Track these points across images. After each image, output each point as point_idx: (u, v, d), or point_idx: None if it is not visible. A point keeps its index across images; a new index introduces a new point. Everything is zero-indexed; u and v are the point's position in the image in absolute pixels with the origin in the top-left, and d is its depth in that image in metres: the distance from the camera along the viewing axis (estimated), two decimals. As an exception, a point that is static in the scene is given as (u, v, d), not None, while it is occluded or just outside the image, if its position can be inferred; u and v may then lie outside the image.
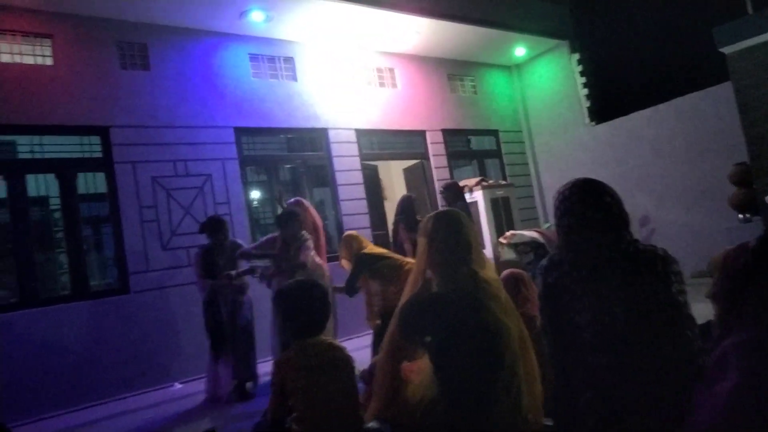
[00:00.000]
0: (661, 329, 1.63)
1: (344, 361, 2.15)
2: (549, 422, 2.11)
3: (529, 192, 10.54)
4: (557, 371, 1.87)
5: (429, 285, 2.13)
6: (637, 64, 9.19)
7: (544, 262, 1.89)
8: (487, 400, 1.97)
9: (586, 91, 9.75)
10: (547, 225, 9.51)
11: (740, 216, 6.85)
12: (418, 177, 9.50)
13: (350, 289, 4.37)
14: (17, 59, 5.91)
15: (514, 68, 10.70)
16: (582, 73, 9.76)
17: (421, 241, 2.18)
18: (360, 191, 8.34)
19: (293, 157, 8.00)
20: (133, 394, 5.82)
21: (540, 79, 10.43)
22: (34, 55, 6.02)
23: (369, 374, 2.44)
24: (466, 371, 1.99)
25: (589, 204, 1.79)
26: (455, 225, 2.14)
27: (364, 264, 4.24)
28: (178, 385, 6.00)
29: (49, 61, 6.07)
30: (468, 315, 2.01)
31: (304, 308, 2.17)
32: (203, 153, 6.90)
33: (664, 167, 8.52)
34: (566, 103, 10.03)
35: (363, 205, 8.31)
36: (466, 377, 1.99)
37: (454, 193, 6.26)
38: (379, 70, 8.87)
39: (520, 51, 9.98)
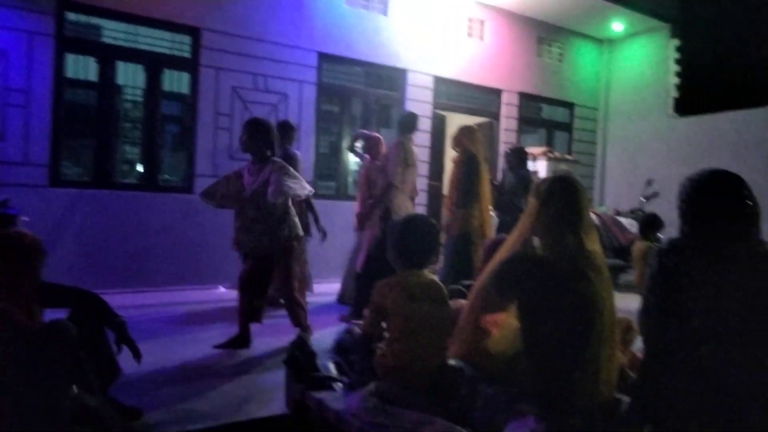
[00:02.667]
0: (777, 333, 1.64)
1: (443, 298, 2.23)
2: (619, 396, 2.17)
3: (592, 172, 10.32)
4: (650, 352, 1.90)
5: (532, 246, 2.16)
6: (739, 61, 8.68)
7: (663, 244, 1.89)
8: (571, 368, 2.01)
9: (676, 80, 9.30)
10: (603, 208, 9.34)
11: (813, 239, 6.60)
12: (484, 136, 9.35)
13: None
14: (126, -56, 5.96)
15: (606, 42, 10.25)
16: (677, 61, 9.29)
17: (532, 202, 2.19)
18: (426, 139, 8.30)
19: (368, 92, 7.96)
20: (182, 288, 6.13)
21: (631, 59, 10.00)
22: (141, -58, 6.05)
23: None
24: (555, 337, 2.03)
25: (725, 194, 1.77)
26: (570, 190, 2.13)
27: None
28: (222, 289, 6.27)
29: (154, -48, 6.10)
30: (569, 283, 2.04)
31: (415, 241, 2.24)
32: (284, 72, 6.94)
33: (741, 175, 8.18)
34: (652, 89, 9.63)
35: (426, 154, 8.28)
36: (555, 343, 2.03)
37: (520, 158, 6.17)
38: (470, 20, 8.62)
39: (617, 26, 9.53)
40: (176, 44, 6.35)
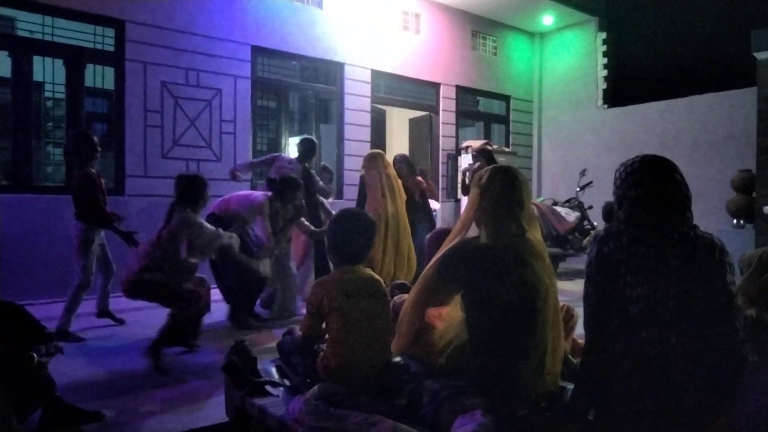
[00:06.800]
0: (711, 315, 1.67)
1: (382, 292, 2.18)
2: (564, 384, 2.19)
3: (529, 163, 10.57)
4: (591, 338, 1.91)
5: (476, 235, 2.13)
6: (661, 54, 9.11)
7: (600, 231, 1.90)
8: (516, 356, 2.01)
9: (605, 72, 9.67)
10: (541, 199, 9.59)
11: (734, 221, 7.00)
12: (423, 129, 9.42)
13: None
14: (39, -69, 5.56)
15: (537, 36, 10.51)
16: (605, 54, 9.65)
17: (474, 192, 2.17)
18: (366, 133, 8.25)
19: (305, 86, 7.82)
20: (118, 295, 5.80)
21: (561, 52, 10.30)
22: (57, -71, 5.67)
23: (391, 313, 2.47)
24: (500, 325, 2.02)
25: (658, 179, 1.79)
26: (510, 181, 2.12)
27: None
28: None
29: (71, -60, 5.74)
30: (512, 270, 2.03)
31: (348, 235, 2.17)
32: (217, 66, 6.71)
33: (667, 162, 8.60)
34: (582, 82, 9.95)
35: (366, 148, 8.21)
36: (500, 331, 2.02)
37: (487, 157, 6.36)
38: (405, 13, 8.63)
39: (548, 19, 9.79)
40: (99, 37, 6.00)
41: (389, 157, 8.31)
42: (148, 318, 5.05)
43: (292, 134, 8.08)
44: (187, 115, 6.50)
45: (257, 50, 7.09)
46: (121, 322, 4.87)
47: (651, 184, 1.78)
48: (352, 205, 6.40)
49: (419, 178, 6.09)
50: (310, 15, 7.51)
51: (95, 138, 4.45)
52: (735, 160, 7.49)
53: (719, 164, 7.88)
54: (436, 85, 9.13)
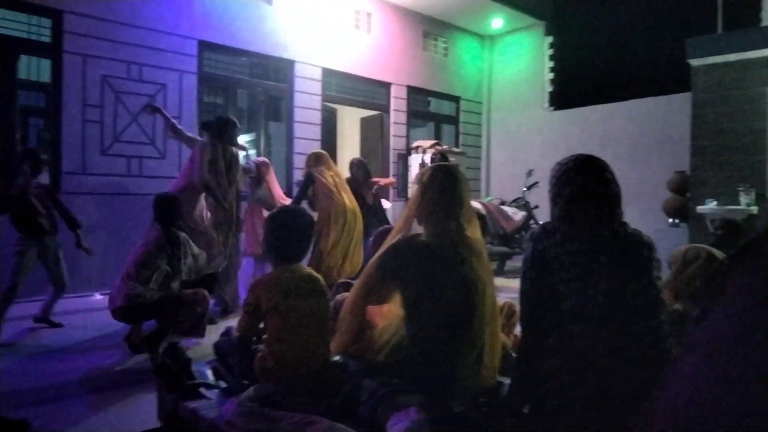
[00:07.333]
0: (639, 309, 1.73)
1: (321, 291, 2.15)
2: (502, 379, 2.22)
3: (477, 164, 10.73)
4: (526, 334, 1.95)
5: (417, 233, 2.14)
6: (604, 58, 9.41)
7: (536, 229, 1.93)
8: (455, 353, 2.03)
9: (551, 75, 9.91)
10: (489, 198, 9.75)
11: (670, 220, 7.29)
12: (374, 129, 9.42)
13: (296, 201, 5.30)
14: None
15: (487, 38, 10.68)
16: (551, 57, 9.90)
17: (415, 189, 2.18)
18: (316, 132, 8.18)
19: (254, 83, 7.69)
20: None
21: (510, 54, 10.50)
22: None
23: (333, 311, 2.44)
24: (439, 321, 2.03)
25: (591, 178, 1.84)
26: (451, 179, 2.15)
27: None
28: (98, 296, 5.80)
29: (3, -77, 5.45)
30: (451, 268, 2.05)
31: (287, 234, 2.14)
32: (161, 61, 6.51)
33: (608, 163, 8.88)
34: (530, 84, 10.17)
35: (317, 147, 8.14)
36: (438, 327, 2.03)
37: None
38: (357, 12, 8.60)
39: (497, 22, 9.95)
40: (33, 27, 5.72)
41: (341, 158, 8.33)
42: (85, 320, 4.88)
43: (240, 132, 7.94)
44: (129, 110, 6.28)
45: (204, 45, 6.93)
46: (58, 325, 4.67)
47: (583, 182, 1.83)
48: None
49: (373, 179, 6.16)
50: (260, 11, 7.39)
51: (42, 156, 4.64)
52: (671, 162, 7.80)
53: (656, 166, 8.20)
54: (387, 85, 9.15)
